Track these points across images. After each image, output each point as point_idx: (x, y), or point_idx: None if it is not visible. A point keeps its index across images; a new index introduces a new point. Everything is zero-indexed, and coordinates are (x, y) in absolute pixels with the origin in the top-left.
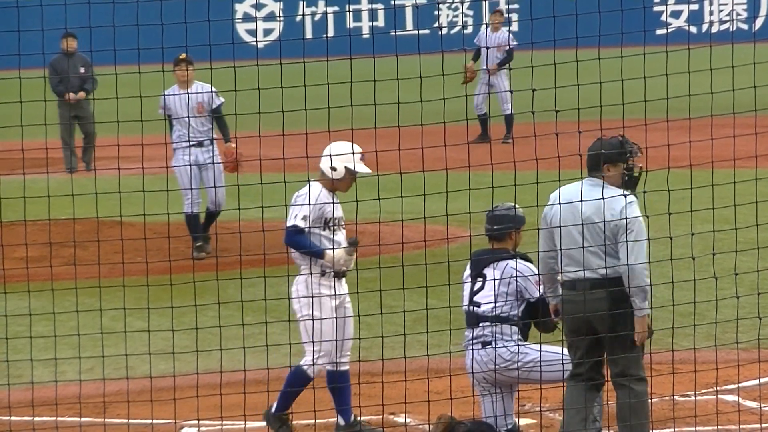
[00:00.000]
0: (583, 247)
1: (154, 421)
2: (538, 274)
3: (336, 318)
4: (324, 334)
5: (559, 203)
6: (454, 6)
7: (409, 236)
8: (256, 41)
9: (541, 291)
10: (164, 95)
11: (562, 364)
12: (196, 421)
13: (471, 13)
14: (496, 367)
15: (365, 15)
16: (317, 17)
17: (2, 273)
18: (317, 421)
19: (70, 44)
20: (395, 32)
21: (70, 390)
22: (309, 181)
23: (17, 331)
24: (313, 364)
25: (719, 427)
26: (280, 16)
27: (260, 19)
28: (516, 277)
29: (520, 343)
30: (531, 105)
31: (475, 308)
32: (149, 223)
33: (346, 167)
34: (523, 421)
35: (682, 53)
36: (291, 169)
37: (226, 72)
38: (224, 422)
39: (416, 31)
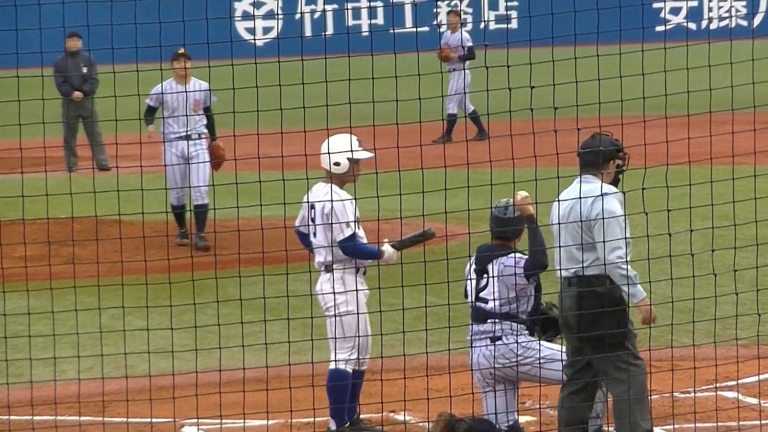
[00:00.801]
0: (559, 246)
1: (154, 420)
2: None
3: (366, 314)
4: (360, 330)
5: (558, 200)
6: (453, 4)
7: (408, 233)
8: (254, 39)
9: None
10: (161, 86)
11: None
12: (196, 420)
13: (470, 10)
14: (505, 362)
15: (364, 13)
16: (316, 15)
17: (1, 272)
18: (316, 419)
19: (75, 44)
20: (393, 30)
21: (69, 389)
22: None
23: (16, 330)
24: (348, 360)
25: (719, 423)
26: (278, 14)
27: (259, 17)
28: (515, 273)
29: (528, 339)
30: (529, 102)
31: (482, 304)
32: (148, 222)
33: (347, 158)
34: (523, 419)
35: (680, 50)
36: (290, 168)
37: (225, 70)
38: (224, 421)
39: (415, 29)
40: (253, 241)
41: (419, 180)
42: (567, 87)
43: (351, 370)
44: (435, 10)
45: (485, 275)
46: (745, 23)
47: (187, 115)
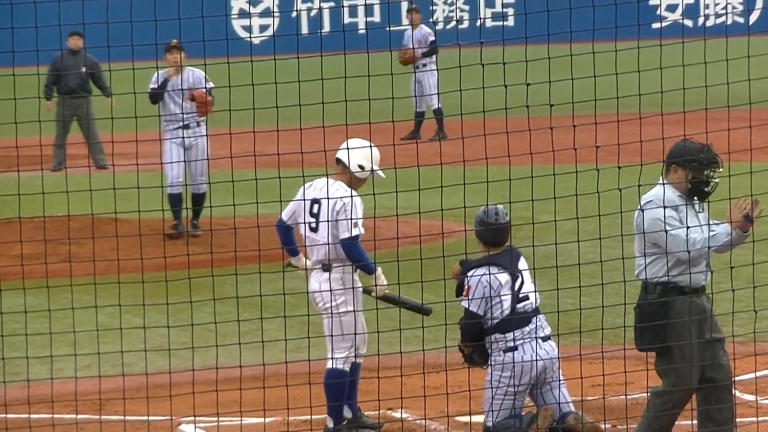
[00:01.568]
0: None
1: (151, 418)
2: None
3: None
4: (357, 327)
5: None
6: (449, 2)
7: (405, 231)
8: (251, 37)
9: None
10: (157, 74)
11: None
12: (193, 418)
13: (467, 8)
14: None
15: (360, 10)
16: (313, 13)
17: None
18: (313, 417)
19: (76, 42)
20: (389, 27)
21: (66, 387)
22: (328, 179)
23: (13, 328)
24: (347, 358)
25: None
26: (275, 12)
27: (255, 15)
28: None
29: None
30: (525, 99)
31: (526, 303)
32: (145, 220)
33: (370, 169)
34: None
35: (676, 47)
36: (285, 165)
37: (221, 68)
38: (221, 419)
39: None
40: (250, 239)
41: (415, 177)
42: (563, 84)
43: (348, 368)
44: (431, 8)
45: (518, 276)
46: (741, 20)
47: (181, 103)
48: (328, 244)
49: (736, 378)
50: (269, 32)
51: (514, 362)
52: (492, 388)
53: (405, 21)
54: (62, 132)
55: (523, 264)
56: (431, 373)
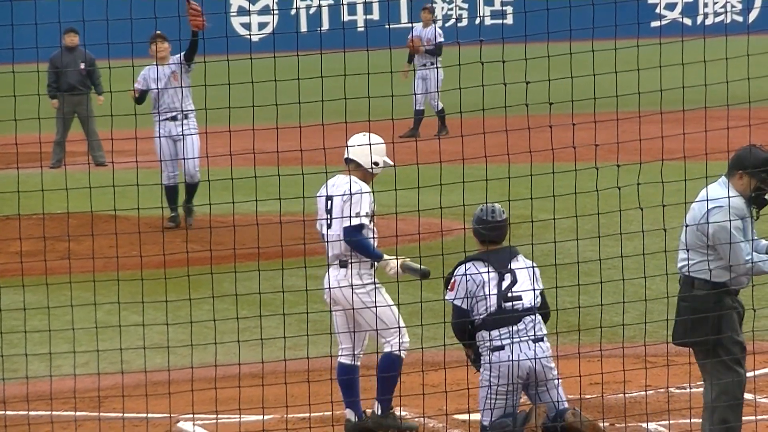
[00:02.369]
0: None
1: (150, 415)
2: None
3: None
4: (393, 315)
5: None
6: (448, 0)
7: (404, 229)
8: (250, 35)
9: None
10: (144, 71)
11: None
12: (192, 415)
13: (466, 6)
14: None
15: (360, 8)
16: (312, 10)
17: None
18: (312, 414)
19: (72, 39)
20: (389, 25)
21: (65, 384)
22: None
23: (12, 325)
24: (402, 343)
25: None
26: (274, 10)
27: (255, 12)
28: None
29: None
30: (525, 98)
31: (516, 303)
32: (144, 217)
33: (384, 161)
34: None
35: (675, 45)
36: (285, 163)
37: (220, 65)
38: (219, 416)
39: (411, 24)
40: (249, 236)
41: (414, 175)
42: (562, 82)
43: (404, 355)
44: (431, 5)
45: (508, 274)
46: (740, 19)
47: (168, 88)
48: (340, 240)
49: None
50: (268, 30)
51: (499, 362)
52: (483, 387)
53: (404, 18)
54: (63, 129)
55: (520, 263)
56: (430, 371)
